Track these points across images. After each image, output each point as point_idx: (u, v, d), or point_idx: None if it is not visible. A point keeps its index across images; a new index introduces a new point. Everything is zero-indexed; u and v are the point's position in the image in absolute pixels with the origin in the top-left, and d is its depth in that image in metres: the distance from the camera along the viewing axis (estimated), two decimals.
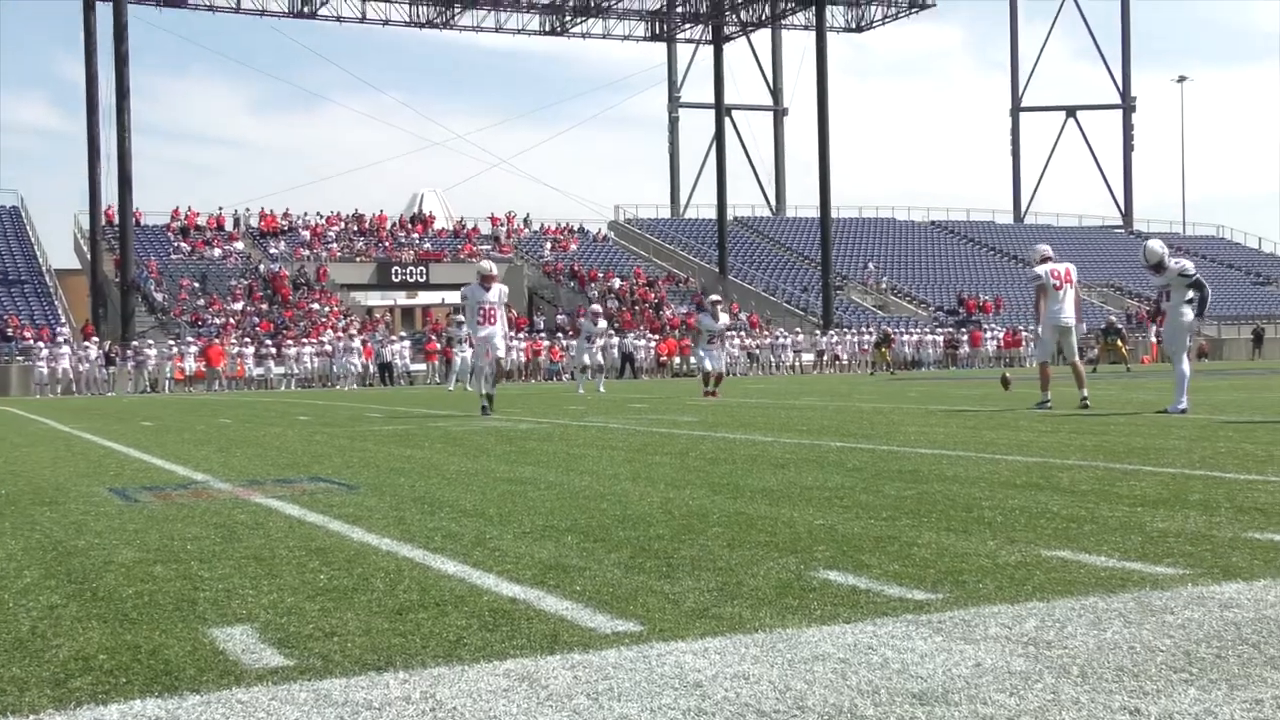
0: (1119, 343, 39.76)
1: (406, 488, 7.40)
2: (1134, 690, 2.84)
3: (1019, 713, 2.69)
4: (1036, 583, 4.05)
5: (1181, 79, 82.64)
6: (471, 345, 15.96)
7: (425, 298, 64.79)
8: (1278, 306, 63.37)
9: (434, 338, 47.02)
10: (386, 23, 56.43)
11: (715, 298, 23.65)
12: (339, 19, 55.15)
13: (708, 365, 22.78)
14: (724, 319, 23.17)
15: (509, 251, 61.47)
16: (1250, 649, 3.17)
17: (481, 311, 15.95)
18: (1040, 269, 14.65)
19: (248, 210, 61.45)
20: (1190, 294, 12.98)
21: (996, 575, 4.19)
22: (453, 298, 64.56)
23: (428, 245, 60.07)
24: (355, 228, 61.12)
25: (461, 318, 27.78)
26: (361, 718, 2.76)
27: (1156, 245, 13.35)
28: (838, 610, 3.71)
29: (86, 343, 42.88)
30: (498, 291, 16.09)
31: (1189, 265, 13.33)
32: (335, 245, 58.56)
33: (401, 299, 65.29)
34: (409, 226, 62.58)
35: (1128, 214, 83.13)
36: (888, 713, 2.71)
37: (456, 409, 19.50)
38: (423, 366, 44.40)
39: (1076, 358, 15.14)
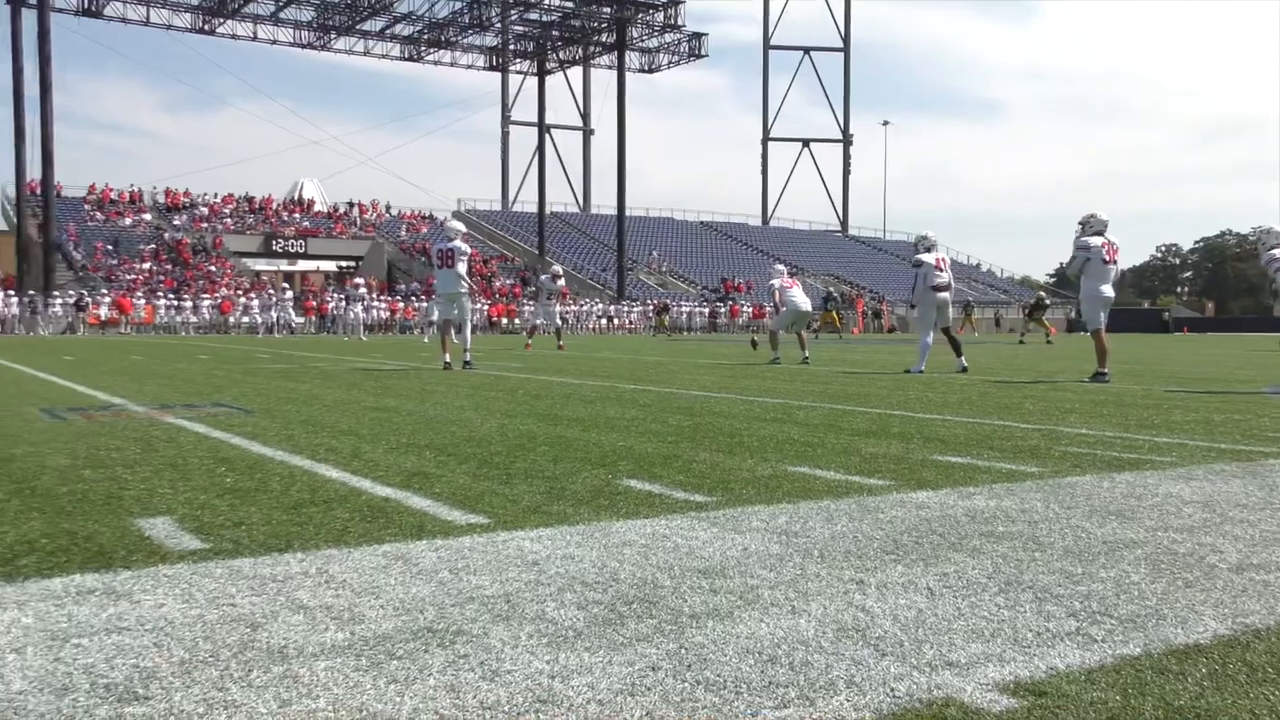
0: (835, 314, 40.75)
1: (293, 412, 7.15)
2: (859, 567, 2.96)
3: (777, 583, 2.77)
4: (785, 490, 4.17)
5: (885, 122, 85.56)
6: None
7: (304, 265, 62.51)
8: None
9: (311, 296, 45.44)
10: (275, 42, 53.80)
11: (557, 270, 23.71)
12: (234, 37, 52.36)
13: (538, 320, 23.56)
14: (561, 283, 23.51)
15: (371, 232, 59.70)
16: (938, 537, 3.34)
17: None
18: (774, 282, 15.49)
19: (154, 188, 58.05)
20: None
21: (755, 484, 4.29)
22: (327, 266, 62.61)
23: (307, 223, 57.84)
24: (246, 206, 58.37)
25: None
26: (269, 588, 2.67)
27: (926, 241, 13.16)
28: (638, 508, 3.75)
29: (11, 293, 40.04)
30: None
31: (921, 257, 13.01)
32: (229, 219, 55.83)
33: (284, 265, 62.82)
34: (291, 207, 60.13)
35: (844, 222, 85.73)
36: (680, 583, 2.76)
37: (330, 353, 18.92)
38: (302, 319, 42.75)
39: (804, 330, 15.83)
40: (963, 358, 12.94)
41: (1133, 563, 3.01)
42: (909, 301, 13.37)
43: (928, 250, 13.09)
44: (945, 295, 12.89)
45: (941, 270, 12.94)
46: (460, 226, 13.27)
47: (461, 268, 12.81)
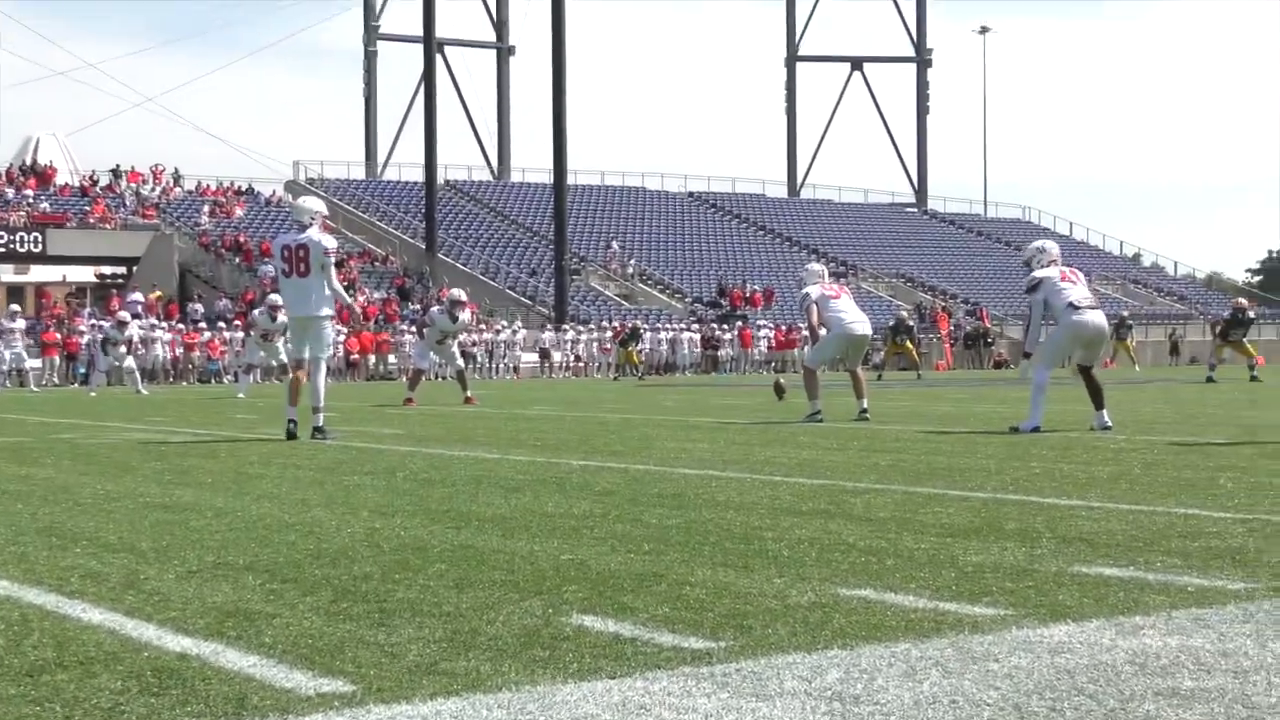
0: (909, 344, 40.87)
1: (26, 515, 7.15)
2: None
3: None
4: (836, 627, 4.17)
5: (984, 30, 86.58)
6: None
7: (40, 273, 62.37)
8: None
9: (52, 326, 45.24)
10: None
11: (459, 294, 23.92)
12: None
13: (423, 364, 24.29)
14: (464, 317, 23.77)
15: (153, 216, 59.69)
16: (1088, 700, 3.33)
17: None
18: (810, 290, 15.68)
19: None
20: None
21: (788, 619, 4.29)
22: (77, 274, 62.49)
23: (45, 205, 57.79)
24: None
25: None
26: None
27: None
28: (599, 663, 3.74)
29: None
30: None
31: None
32: None
33: (9, 275, 62.66)
34: (19, 180, 60.12)
35: (921, 190, 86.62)
36: None
37: (84, 418, 18.82)
38: (38, 363, 42.37)
39: (859, 366, 15.90)
40: (1104, 411, 12.99)
41: None
42: (1024, 351, 13.82)
43: (1046, 266, 13.29)
44: (1094, 318, 12.99)
45: (1074, 283, 13.07)
46: (318, 207, 13.40)
47: (330, 275, 12.84)
